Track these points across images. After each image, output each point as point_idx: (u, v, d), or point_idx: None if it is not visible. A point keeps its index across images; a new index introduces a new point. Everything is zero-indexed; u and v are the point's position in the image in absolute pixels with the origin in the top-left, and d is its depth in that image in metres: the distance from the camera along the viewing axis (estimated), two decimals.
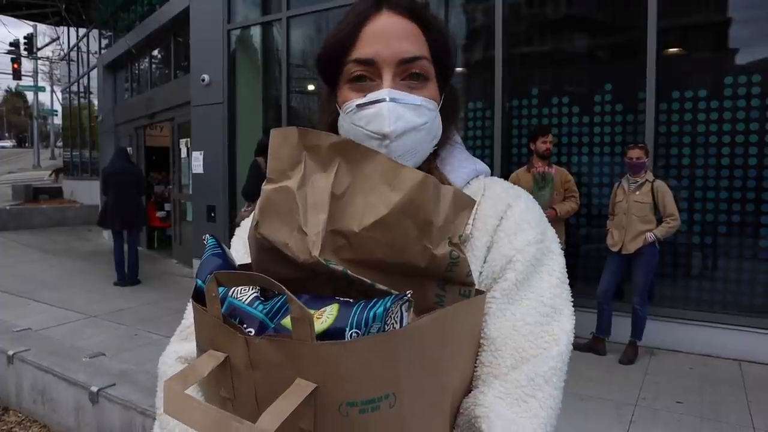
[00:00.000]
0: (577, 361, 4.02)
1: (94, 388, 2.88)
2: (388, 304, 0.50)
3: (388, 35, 0.72)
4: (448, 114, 0.79)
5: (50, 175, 20.38)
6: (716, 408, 3.37)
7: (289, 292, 0.48)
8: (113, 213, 6.78)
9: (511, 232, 0.73)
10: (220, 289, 0.57)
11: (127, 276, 6.90)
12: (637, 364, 4.10)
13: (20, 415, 3.39)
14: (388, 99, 0.70)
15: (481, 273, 0.72)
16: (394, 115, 0.69)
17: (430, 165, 0.79)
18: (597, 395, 3.57)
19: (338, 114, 0.76)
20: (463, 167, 0.81)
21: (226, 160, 7.09)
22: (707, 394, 3.57)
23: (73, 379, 3.03)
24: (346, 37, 0.73)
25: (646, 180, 4.13)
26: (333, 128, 0.78)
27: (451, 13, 5.80)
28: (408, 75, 0.73)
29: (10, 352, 3.41)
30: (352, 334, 0.49)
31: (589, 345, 4.32)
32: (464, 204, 0.63)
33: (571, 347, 0.69)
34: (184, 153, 8.43)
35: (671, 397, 3.52)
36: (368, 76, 0.72)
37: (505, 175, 4.83)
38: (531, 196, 0.81)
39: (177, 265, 8.42)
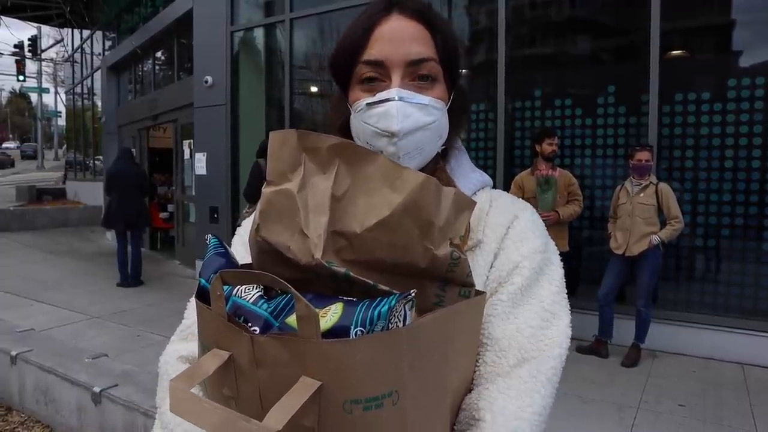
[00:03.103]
0: (580, 364, 4.06)
1: (97, 389, 2.88)
2: (393, 302, 0.50)
3: (398, 38, 0.74)
4: (455, 117, 0.81)
5: (59, 177, 20.37)
6: (719, 411, 3.36)
7: (294, 291, 0.48)
8: (117, 214, 6.79)
9: (518, 239, 0.77)
10: (225, 288, 0.57)
11: (130, 277, 6.90)
12: (639, 366, 4.09)
13: (23, 415, 3.40)
14: (396, 98, 0.72)
15: (488, 277, 0.75)
16: (402, 114, 0.71)
17: (436, 165, 0.81)
18: (599, 398, 3.56)
19: (349, 113, 0.78)
20: (471, 178, 0.84)
21: (228, 162, 7.10)
22: (710, 398, 3.55)
23: (76, 380, 3.03)
24: (357, 39, 0.75)
25: (650, 182, 4.12)
26: (345, 127, 0.80)
27: (454, 15, 5.80)
28: (416, 76, 0.75)
29: (13, 353, 3.42)
30: (357, 332, 0.49)
31: (591, 347, 4.31)
32: (465, 205, 0.63)
33: (568, 352, 0.73)
34: (187, 154, 8.44)
35: (674, 400, 3.51)
36: (378, 77, 0.74)
37: (508, 178, 4.84)
38: (534, 210, 0.84)
39: (180, 267, 8.43)
